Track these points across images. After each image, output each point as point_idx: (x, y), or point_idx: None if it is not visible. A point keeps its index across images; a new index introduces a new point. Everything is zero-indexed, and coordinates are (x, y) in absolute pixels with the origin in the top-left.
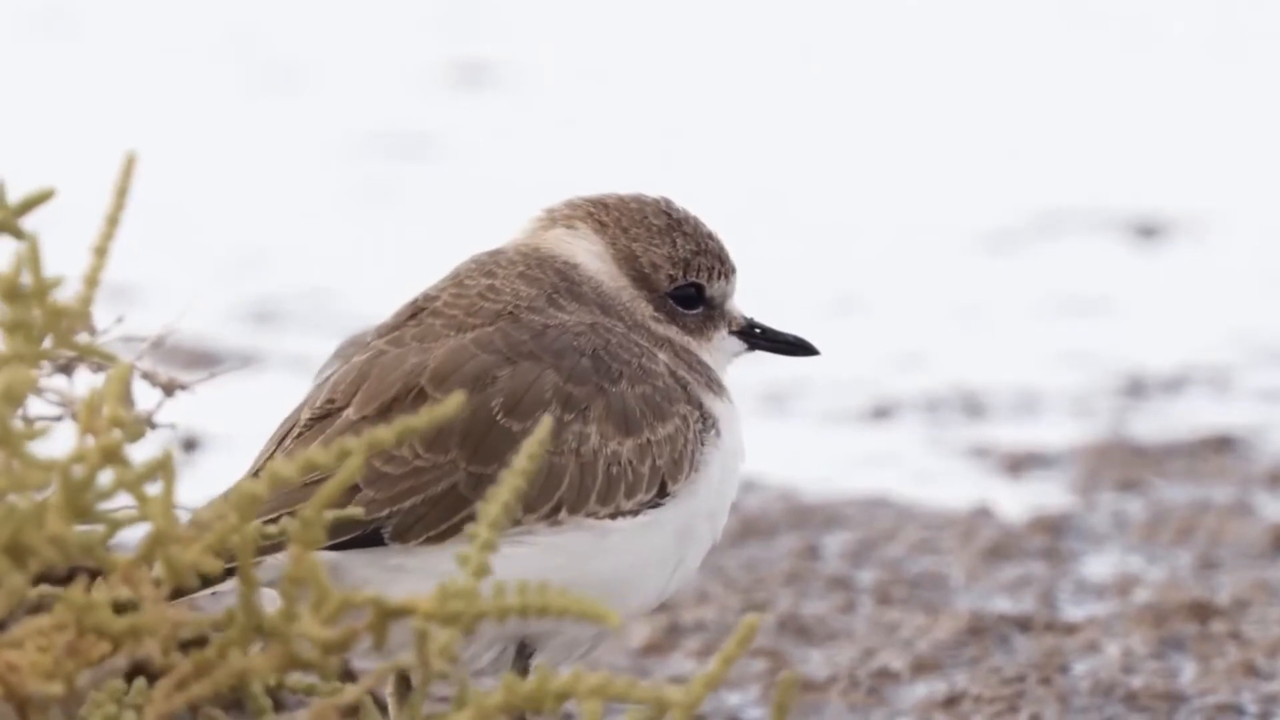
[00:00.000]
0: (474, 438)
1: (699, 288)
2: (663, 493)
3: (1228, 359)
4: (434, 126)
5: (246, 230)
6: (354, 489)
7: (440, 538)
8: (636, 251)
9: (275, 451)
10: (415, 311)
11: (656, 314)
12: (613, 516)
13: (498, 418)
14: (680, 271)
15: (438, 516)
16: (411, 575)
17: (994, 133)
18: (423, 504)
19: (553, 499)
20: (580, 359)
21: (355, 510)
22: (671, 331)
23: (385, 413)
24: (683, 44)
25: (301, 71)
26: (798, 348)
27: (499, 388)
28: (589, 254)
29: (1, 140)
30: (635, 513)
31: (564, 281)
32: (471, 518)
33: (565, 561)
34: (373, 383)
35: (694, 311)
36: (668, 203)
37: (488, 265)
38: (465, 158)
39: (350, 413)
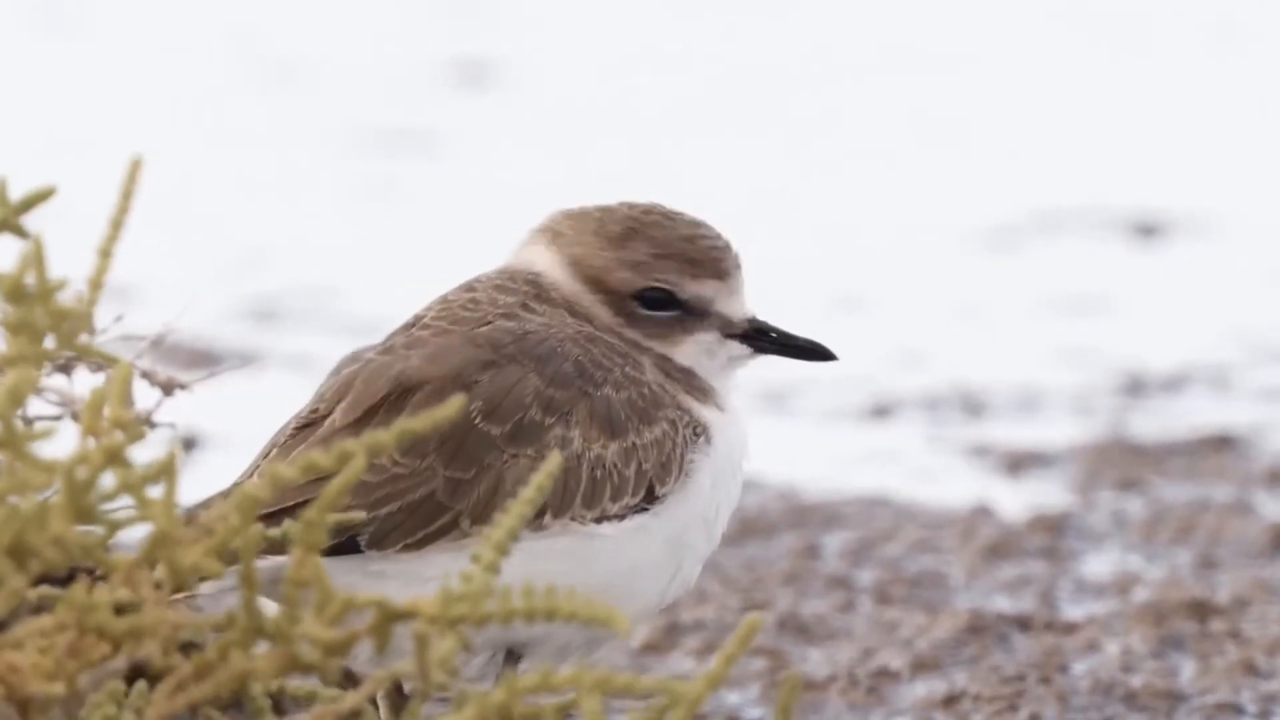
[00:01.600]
0: (452, 442)
1: (665, 291)
2: (650, 497)
3: (1228, 358)
4: (435, 125)
5: (246, 229)
6: None
7: (418, 545)
8: (581, 256)
9: (261, 462)
10: (406, 326)
11: (617, 316)
12: (598, 521)
13: (476, 422)
14: (635, 275)
15: (415, 524)
16: (394, 581)
17: (994, 133)
18: (400, 511)
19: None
20: (564, 364)
21: (356, 515)
22: (636, 334)
23: (368, 418)
24: (684, 43)
25: (302, 69)
26: (810, 353)
27: (478, 391)
28: (549, 263)
29: (1, 138)
30: (622, 517)
31: (534, 288)
32: (449, 525)
33: (551, 567)
34: (359, 388)
35: (664, 314)
36: (646, 209)
37: (469, 283)
38: (466, 156)
39: (335, 419)
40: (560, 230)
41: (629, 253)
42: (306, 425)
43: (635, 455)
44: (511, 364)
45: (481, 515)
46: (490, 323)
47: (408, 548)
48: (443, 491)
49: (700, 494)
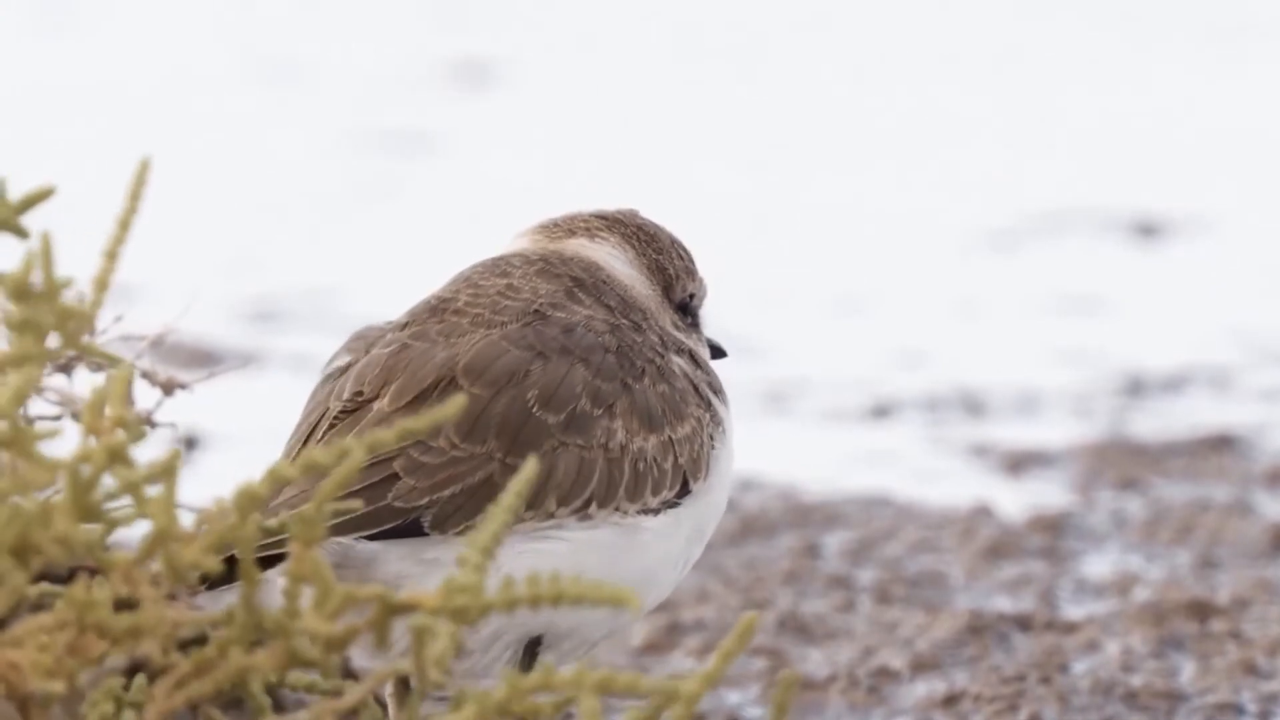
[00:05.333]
0: (510, 429)
1: (694, 296)
2: (684, 491)
3: (1228, 358)
4: (435, 125)
5: (246, 229)
6: (393, 478)
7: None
8: (663, 263)
9: (307, 443)
10: (434, 310)
11: (678, 321)
12: (638, 515)
13: (534, 410)
14: (690, 280)
15: (475, 506)
16: (447, 570)
17: (994, 132)
18: (461, 493)
19: (584, 493)
20: (606, 355)
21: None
22: (691, 339)
23: (418, 404)
24: (685, 43)
25: (302, 68)
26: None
27: (533, 381)
28: (616, 260)
29: (1, 137)
30: (658, 511)
31: (589, 277)
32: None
33: (597, 560)
34: (406, 376)
35: (690, 319)
36: (645, 217)
37: (500, 266)
38: (466, 156)
39: (384, 405)
40: (625, 233)
41: (682, 260)
42: (352, 410)
43: (672, 450)
44: (561, 355)
45: (534, 501)
46: (537, 311)
47: (467, 530)
48: (500, 475)
49: (720, 487)
